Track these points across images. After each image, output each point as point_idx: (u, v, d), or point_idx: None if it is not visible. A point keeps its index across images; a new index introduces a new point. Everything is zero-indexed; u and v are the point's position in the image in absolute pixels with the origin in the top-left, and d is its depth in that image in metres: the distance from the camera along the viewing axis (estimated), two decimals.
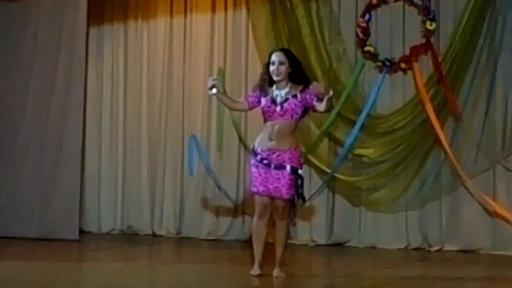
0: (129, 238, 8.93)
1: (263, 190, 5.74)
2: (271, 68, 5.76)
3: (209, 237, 8.68)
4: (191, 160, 8.46)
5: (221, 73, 8.67)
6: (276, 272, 5.82)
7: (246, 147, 8.47)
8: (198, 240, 8.63)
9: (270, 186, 5.71)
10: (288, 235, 5.99)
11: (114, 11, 9.41)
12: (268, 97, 5.79)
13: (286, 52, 5.89)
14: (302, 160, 5.93)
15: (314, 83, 5.87)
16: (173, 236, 8.90)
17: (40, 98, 8.67)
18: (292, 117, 5.75)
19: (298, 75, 5.78)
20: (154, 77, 9.18)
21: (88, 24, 8.90)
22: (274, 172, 5.71)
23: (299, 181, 5.78)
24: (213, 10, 8.88)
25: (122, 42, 9.36)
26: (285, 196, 5.73)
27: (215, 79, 5.89)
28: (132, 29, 9.34)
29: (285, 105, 5.73)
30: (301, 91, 5.75)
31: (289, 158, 5.73)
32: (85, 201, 9.28)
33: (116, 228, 9.27)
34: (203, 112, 8.79)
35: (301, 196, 5.85)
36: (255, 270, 5.83)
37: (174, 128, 9.03)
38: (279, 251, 5.82)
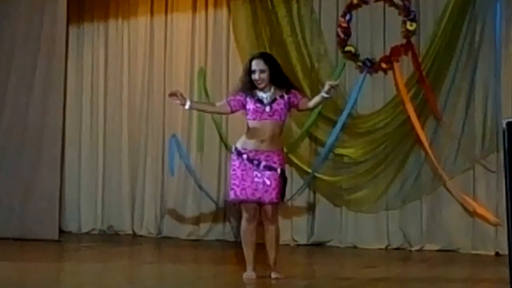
0: (110, 238, 8.88)
1: (252, 194, 5.62)
2: (253, 76, 5.70)
3: (190, 237, 8.65)
4: (171, 160, 8.45)
5: (202, 72, 8.68)
6: (274, 274, 5.76)
7: (227, 147, 8.47)
8: (179, 240, 8.60)
9: (259, 191, 5.61)
10: (278, 237, 5.85)
11: (95, 10, 9.35)
12: (254, 98, 5.71)
13: (266, 57, 5.81)
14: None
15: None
16: (154, 236, 8.87)
17: (20, 98, 8.59)
18: (281, 117, 5.71)
19: (279, 77, 5.74)
20: (134, 76, 9.14)
21: (68, 23, 8.84)
22: (263, 172, 5.63)
23: (284, 184, 5.75)
24: (194, 9, 8.85)
25: (103, 41, 9.31)
26: (275, 200, 5.66)
27: (176, 94, 5.69)
28: (112, 28, 9.29)
29: (274, 105, 5.69)
30: (286, 92, 5.73)
31: (279, 160, 5.68)
32: (65, 201, 9.22)
33: (96, 228, 9.21)
34: (184, 112, 8.72)
35: (282, 197, 5.79)
36: (251, 274, 5.75)
37: (155, 127, 8.99)
38: (273, 253, 5.74)
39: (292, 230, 8.30)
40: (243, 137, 5.78)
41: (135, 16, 9.14)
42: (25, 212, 8.43)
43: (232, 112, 5.89)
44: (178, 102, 5.72)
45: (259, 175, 5.64)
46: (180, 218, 8.79)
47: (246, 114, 5.78)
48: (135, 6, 9.15)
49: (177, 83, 8.83)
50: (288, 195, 8.09)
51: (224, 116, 8.46)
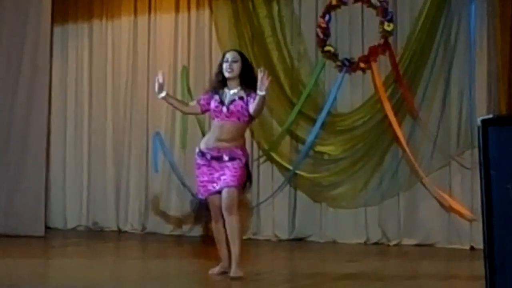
0: (95, 234, 8.88)
1: (213, 187, 5.53)
2: (224, 65, 5.64)
3: (174, 233, 8.68)
4: (155, 157, 8.47)
5: (185, 71, 8.70)
6: (233, 271, 5.53)
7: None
8: (163, 236, 8.62)
9: (217, 181, 5.49)
10: (241, 230, 5.61)
11: (79, 10, 9.34)
12: (217, 97, 5.65)
13: (240, 52, 5.82)
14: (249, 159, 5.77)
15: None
16: (138, 232, 8.88)
17: (4, 96, 8.55)
18: (239, 118, 5.57)
19: (250, 78, 5.60)
20: (118, 75, 9.14)
21: (53, 23, 8.81)
22: (223, 163, 5.51)
23: (249, 177, 5.64)
24: (177, 10, 8.87)
25: (87, 41, 9.31)
26: (231, 183, 5.46)
27: (160, 79, 5.65)
28: (96, 28, 9.28)
29: (231, 106, 5.57)
30: (248, 95, 5.59)
31: (242, 151, 5.58)
32: (50, 197, 9.21)
33: (81, 224, 9.21)
34: (168, 110, 8.75)
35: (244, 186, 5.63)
36: (216, 269, 5.70)
37: (139, 125, 9.00)
38: (233, 248, 5.52)
39: (273, 225, 8.34)
40: (206, 137, 5.75)
41: (119, 16, 9.15)
42: (10, 209, 8.39)
43: (203, 112, 5.86)
44: (157, 85, 5.68)
45: (219, 167, 5.51)
46: (164, 215, 8.80)
47: (211, 114, 5.74)
48: (118, 6, 9.16)
49: None
50: (268, 192, 8.24)
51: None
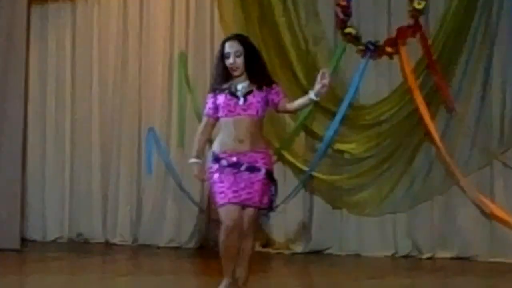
0: (79, 247, 8.87)
1: (234, 197, 5.37)
2: (227, 62, 5.44)
3: (170, 245, 8.67)
4: (149, 157, 8.50)
5: (183, 57, 8.66)
6: None
7: (211, 142, 8.41)
8: (158, 248, 8.61)
9: (241, 192, 5.38)
10: (254, 251, 5.62)
11: None
12: (225, 92, 5.45)
13: (241, 39, 5.55)
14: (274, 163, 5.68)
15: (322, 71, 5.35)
16: (129, 244, 8.87)
17: None
18: (257, 112, 5.41)
19: (256, 67, 5.43)
20: (106, 63, 9.12)
21: (30, 2, 8.78)
22: (245, 174, 5.38)
23: (273, 188, 5.49)
24: None
25: (69, 22, 9.29)
26: (257, 203, 5.38)
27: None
28: (80, 8, 9.24)
29: (250, 97, 5.41)
30: (266, 85, 5.44)
31: (263, 159, 5.44)
32: (27, 205, 9.20)
33: (63, 236, 9.20)
34: (163, 103, 8.74)
35: (272, 205, 5.55)
36: (227, 282, 5.52)
37: (130, 121, 8.97)
38: (242, 272, 5.49)
39: (286, 236, 8.32)
40: (218, 138, 5.53)
41: None
42: None
43: (217, 120, 5.56)
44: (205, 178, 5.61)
45: (242, 177, 5.38)
46: (159, 224, 8.78)
47: (219, 112, 5.51)
48: None
49: (154, 70, 8.86)
50: (281, 196, 8.14)
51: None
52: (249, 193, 5.37)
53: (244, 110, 5.40)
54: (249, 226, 5.44)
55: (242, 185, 5.38)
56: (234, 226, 5.38)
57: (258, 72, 5.44)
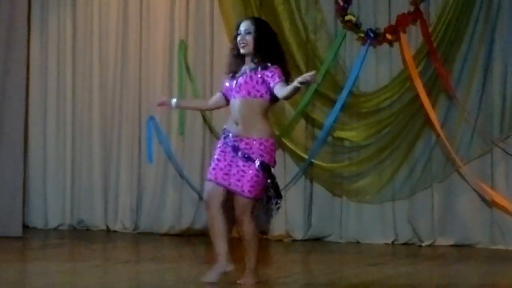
0: (80, 234, 8.87)
1: (222, 178, 5.40)
2: (238, 39, 5.51)
3: (171, 232, 8.67)
4: (149, 145, 8.47)
5: (183, 45, 8.65)
6: (241, 280, 5.50)
7: (212, 130, 8.47)
8: (158, 236, 8.62)
9: (232, 178, 5.39)
10: (257, 236, 5.54)
11: None
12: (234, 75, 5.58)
13: (256, 20, 5.64)
14: (275, 155, 5.54)
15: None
16: (130, 231, 8.88)
17: None
18: (249, 93, 5.42)
19: (268, 47, 5.45)
20: (106, 50, 9.09)
21: None
22: (240, 161, 5.40)
23: (269, 181, 5.43)
24: None
25: (70, 9, 9.23)
26: (246, 194, 5.36)
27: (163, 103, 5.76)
28: None
29: (240, 78, 5.47)
30: (264, 68, 5.43)
31: (259, 150, 5.41)
32: (29, 193, 9.20)
33: (64, 223, 9.19)
34: (163, 91, 8.70)
35: (269, 199, 5.50)
36: (221, 267, 5.56)
37: (130, 108, 8.97)
38: (249, 257, 5.49)
39: (286, 223, 8.33)
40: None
41: None
42: None
43: (228, 101, 5.64)
44: (165, 107, 5.70)
45: (237, 163, 5.40)
46: (160, 211, 8.79)
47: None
48: None
49: (154, 58, 8.85)
50: (281, 184, 8.05)
51: (208, 96, 8.44)
52: (238, 180, 5.40)
53: (237, 92, 5.50)
54: (241, 213, 5.44)
55: (234, 171, 5.42)
56: (212, 202, 5.46)
57: (265, 53, 5.46)
